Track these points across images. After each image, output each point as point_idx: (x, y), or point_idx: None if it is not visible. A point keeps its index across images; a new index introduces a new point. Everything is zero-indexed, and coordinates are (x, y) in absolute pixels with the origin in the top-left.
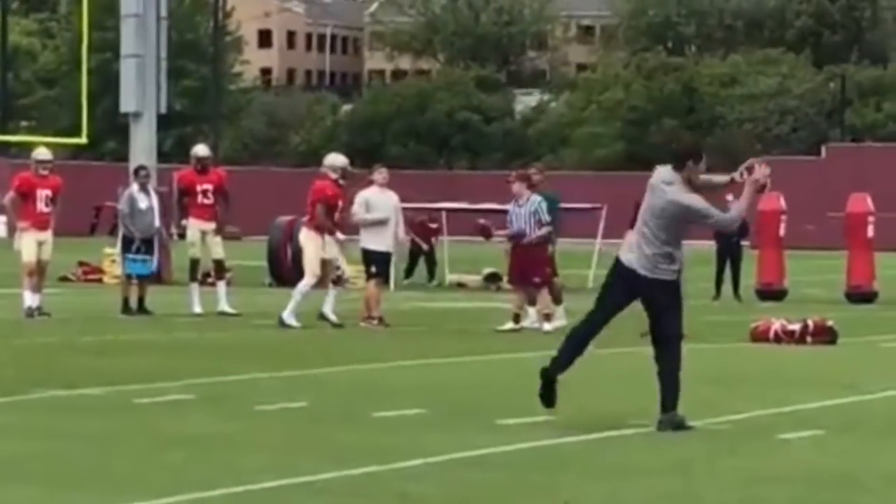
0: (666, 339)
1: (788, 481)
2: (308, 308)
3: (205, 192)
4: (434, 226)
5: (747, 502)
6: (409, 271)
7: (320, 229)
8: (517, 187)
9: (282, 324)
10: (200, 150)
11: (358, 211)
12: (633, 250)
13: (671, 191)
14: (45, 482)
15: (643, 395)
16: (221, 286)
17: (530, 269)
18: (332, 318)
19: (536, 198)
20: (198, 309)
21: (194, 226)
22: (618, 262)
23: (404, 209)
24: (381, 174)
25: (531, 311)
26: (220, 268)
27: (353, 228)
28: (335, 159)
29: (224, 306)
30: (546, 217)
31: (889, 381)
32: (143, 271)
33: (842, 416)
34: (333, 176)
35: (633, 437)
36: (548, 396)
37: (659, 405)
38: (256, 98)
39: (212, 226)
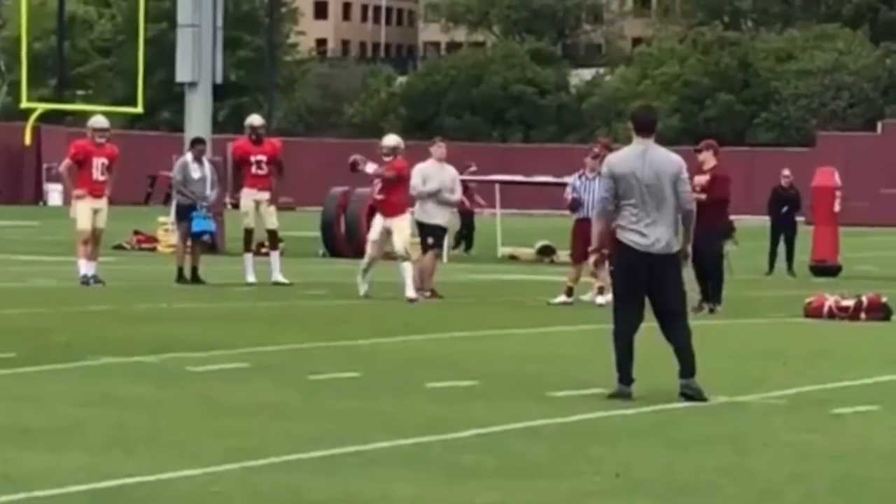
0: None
1: (841, 457)
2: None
3: (259, 163)
4: (476, 198)
5: (800, 477)
6: (458, 244)
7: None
8: (597, 162)
9: (410, 301)
10: (255, 119)
11: (416, 184)
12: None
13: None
14: (99, 449)
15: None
16: (275, 256)
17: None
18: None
19: None
20: (252, 278)
21: (248, 196)
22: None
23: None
24: (439, 148)
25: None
26: (273, 238)
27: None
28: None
29: (278, 276)
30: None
31: None
32: (210, 228)
33: (895, 393)
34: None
35: (685, 410)
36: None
37: (685, 372)
38: (311, 69)
39: (266, 195)
